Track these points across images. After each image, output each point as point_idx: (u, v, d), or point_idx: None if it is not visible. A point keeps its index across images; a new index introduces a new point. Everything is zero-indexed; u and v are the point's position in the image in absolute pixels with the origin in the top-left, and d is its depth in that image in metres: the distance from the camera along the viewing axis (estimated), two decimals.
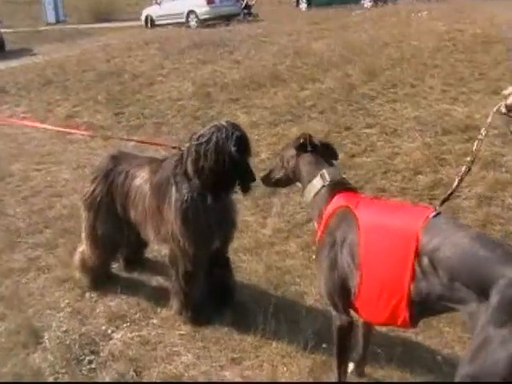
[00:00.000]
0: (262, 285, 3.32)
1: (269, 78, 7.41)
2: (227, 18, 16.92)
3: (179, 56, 9.75)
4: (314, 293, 3.21)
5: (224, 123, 2.65)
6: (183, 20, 18.01)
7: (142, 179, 3.00)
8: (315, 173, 2.26)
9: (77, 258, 3.36)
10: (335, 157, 2.40)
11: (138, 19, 20.41)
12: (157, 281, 3.39)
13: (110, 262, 3.40)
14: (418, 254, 1.83)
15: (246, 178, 2.70)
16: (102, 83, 8.65)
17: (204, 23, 17.07)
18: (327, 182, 2.22)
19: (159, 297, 3.17)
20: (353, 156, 4.91)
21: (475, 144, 2.18)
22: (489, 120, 2.13)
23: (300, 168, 2.33)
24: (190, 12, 17.85)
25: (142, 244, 3.42)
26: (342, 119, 5.76)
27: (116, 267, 3.52)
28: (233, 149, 2.56)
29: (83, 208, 3.22)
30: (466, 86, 6.12)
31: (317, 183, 2.25)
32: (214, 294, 3.03)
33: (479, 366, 1.63)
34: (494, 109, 2.07)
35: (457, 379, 1.70)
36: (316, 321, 2.89)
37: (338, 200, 2.18)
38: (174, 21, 18.10)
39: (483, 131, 2.16)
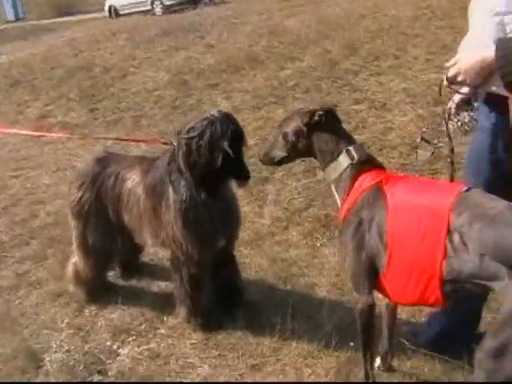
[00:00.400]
0: (270, 279, 3.15)
1: (246, 60, 7.16)
2: (194, 2, 16.48)
3: (149, 45, 9.41)
4: (325, 283, 3.06)
5: (217, 115, 2.44)
6: (148, 7, 17.56)
7: (133, 181, 2.78)
8: (339, 150, 2.07)
9: (69, 270, 3.13)
10: (340, 121, 2.20)
11: (102, 10, 19.84)
12: (158, 286, 3.19)
13: (105, 272, 3.17)
14: (448, 231, 1.72)
15: (239, 175, 2.53)
16: (72, 79, 8.29)
17: (170, 9, 16.63)
18: (355, 161, 2.05)
19: (163, 304, 2.96)
20: None
21: (444, 124, 2.15)
22: (440, 96, 2.10)
23: (317, 146, 2.12)
24: None
25: (137, 249, 3.23)
26: (328, 97, 5.56)
27: (112, 276, 3.30)
28: (226, 144, 2.37)
29: (71, 217, 2.99)
30: (450, 54, 5.94)
31: (344, 161, 2.06)
32: (222, 297, 2.85)
33: (507, 336, 1.57)
34: (440, 82, 2.03)
35: (480, 354, 1.64)
36: (334, 314, 2.73)
37: (366, 179, 2.02)
38: (139, 9, 17.64)
39: (444, 109, 2.15)
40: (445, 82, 1.97)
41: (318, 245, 3.46)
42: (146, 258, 3.42)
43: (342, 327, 2.62)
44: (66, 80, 8.32)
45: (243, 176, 2.52)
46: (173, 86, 7.00)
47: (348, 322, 2.64)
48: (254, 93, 6.12)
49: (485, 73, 1.81)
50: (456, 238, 1.71)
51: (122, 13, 18.34)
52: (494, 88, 1.87)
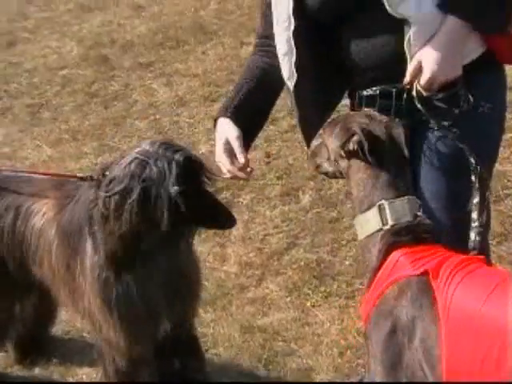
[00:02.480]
0: (245, 363, 2.92)
1: (191, 30, 6.88)
2: None
3: (49, 0, 8.97)
4: (325, 367, 2.86)
5: (148, 146, 2.08)
6: None
7: (43, 218, 2.44)
8: (371, 200, 1.85)
9: None
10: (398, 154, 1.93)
11: None
12: (77, 380, 2.86)
13: None
14: None
15: (217, 223, 2.25)
16: None
17: None
18: (387, 227, 1.80)
19: None
20: None
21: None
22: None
23: (351, 181, 1.93)
24: None
25: (46, 315, 2.95)
26: None
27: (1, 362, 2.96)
28: (175, 190, 2.00)
29: None
30: None
31: (372, 220, 1.83)
32: None
33: None
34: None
35: None
36: None
37: (401, 261, 1.76)
38: None
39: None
40: (425, 93, 1.92)
41: (309, 305, 3.26)
42: (58, 327, 3.09)
43: None
44: None
45: (223, 224, 2.24)
46: (88, 63, 6.62)
47: None
48: (204, 78, 5.86)
49: (460, 50, 1.89)
50: None
51: None
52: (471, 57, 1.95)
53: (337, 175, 2.03)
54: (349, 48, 2.04)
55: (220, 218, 2.18)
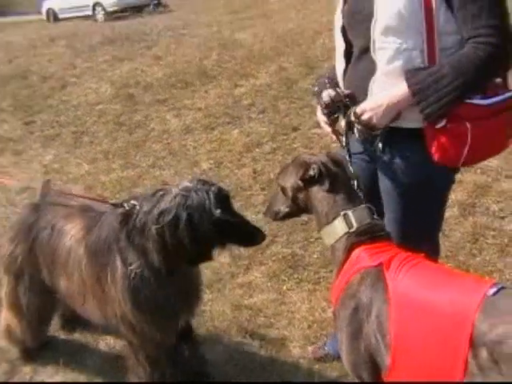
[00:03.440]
0: (234, 332, 2.81)
1: (196, 74, 6.81)
2: (137, 10, 15.91)
3: (91, 53, 8.88)
4: (297, 336, 2.76)
5: (189, 184, 1.98)
6: (89, 13, 16.80)
7: (73, 237, 2.27)
8: (336, 212, 1.78)
9: (1, 325, 2.65)
10: (346, 176, 1.87)
11: (39, 12, 18.88)
12: (106, 343, 2.75)
13: (42, 331, 2.70)
14: (473, 344, 1.39)
15: (249, 239, 2.10)
16: (5, 88, 7.63)
17: (112, 16, 15.98)
18: (353, 229, 1.74)
19: (111, 367, 2.53)
20: None
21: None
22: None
23: (314, 204, 1.84)
24: (96, 4, 16.66)
25: None
26: (287, 119, 5.28)
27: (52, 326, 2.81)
28: (217, 212, 1.92)
29: (3, 271, 2.52)
30: None
31: (339, 227, 1.77)
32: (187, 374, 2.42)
33: None
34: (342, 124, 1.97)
35: None
36: None
37: (361, 255, 1.71)
38: (80, 14, 16.84)
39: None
40: (352, 118, 1.88)
41: (285, 288, 3.16)
42: None
43: None
44: None
45: (255, 239, 2.07)
46: (117, 99, 6.54)
47: None
48: (206, 111, 5.78)
49: (393, 112, 1.80)
50: (484, 354, 1.38)
51: (61, 17, 17.50)
52: (406, 123, 1.84)
53: (293, 212, 1.95)
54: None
55: (252, 234, 2.06)
